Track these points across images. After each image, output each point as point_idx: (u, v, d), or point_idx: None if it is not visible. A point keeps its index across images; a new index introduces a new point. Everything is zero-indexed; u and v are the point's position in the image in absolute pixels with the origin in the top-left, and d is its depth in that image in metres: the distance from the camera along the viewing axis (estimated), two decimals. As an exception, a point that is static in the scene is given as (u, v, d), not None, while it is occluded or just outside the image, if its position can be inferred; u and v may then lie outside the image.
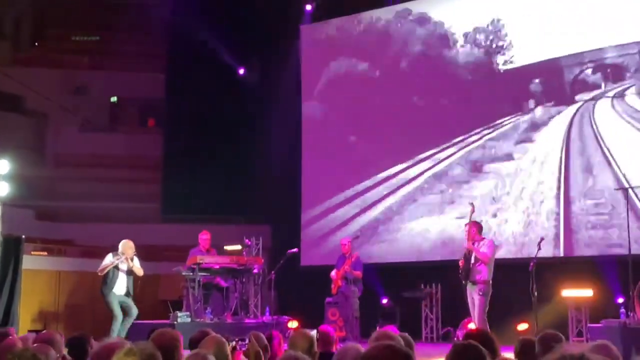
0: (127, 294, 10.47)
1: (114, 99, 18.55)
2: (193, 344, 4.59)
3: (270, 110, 14.54)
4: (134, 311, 10.37)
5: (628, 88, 11.57)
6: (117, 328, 10.21)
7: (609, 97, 11.69)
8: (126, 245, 10.52)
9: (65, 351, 4.75)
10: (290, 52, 14.88)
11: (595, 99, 11.82)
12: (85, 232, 15.48)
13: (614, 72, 11.72)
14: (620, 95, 11.60)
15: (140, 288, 14.22)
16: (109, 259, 10.42)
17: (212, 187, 14.40)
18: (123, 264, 10.36)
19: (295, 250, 11.99)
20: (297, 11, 14.82)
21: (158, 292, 14.08)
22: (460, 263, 9.52)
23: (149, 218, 15.89)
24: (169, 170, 15.99)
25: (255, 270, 11.61)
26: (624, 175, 11.18)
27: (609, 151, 11.49)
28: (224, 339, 4.07)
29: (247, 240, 12.46)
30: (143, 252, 14.70)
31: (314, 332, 5.21)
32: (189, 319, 10.39)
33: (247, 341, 4.54)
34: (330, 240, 13.80)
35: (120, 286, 10.43)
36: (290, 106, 14.69)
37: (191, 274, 10.83)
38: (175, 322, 10.09)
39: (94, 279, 14.13)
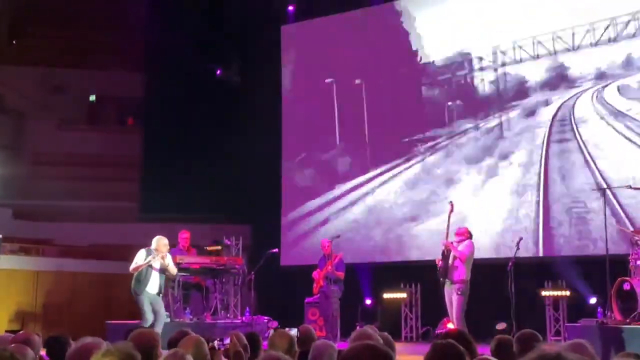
0: (159, 293, 9.91)
1: (92, 97, 18.43)
2: (172, 344, 4.57)
3: (250, 109, 14.50)
4: (163, 315, 9.83)
5: (606, 86, 11.68)
6: (146, 325, 9.48)
7: (588, 96, 11.80)
8: (160, 242, 9.89)
9: (43, 351, 4.72)
10: (270, 52, 14.85)
11: (573, 98, 11.93)
12: (64, 232, 15.37)
13: (592, 72, 11.82)
14: (599, 94, 11.71)
15: (118, 287, 14.20)
16: (142, 255, 9.82)
17: (191, 186, 14.33)
18: (156, 261, 9.76)
19: (275, 250, 11.98)
20: (277, 11, 14.79)
21: (137, 292, 14.00)
22: (438, 262, 9.56)
23: (128, 217, 15.79)
24: (148, 169, 15.90)
25: (236, 269, 11.57)
26: (601, 174, 11.29)
27: (587, 151, 11.59)
28: (202, 339, 4.06)
29: (227, 240, 12.43)
30: (122, 252, 14.66)
31: (294, 332, 5.21)
32: (168, 319, 10.34)
33: (227, 341, 4.53)
34: (310, 241, 13.80)
35: (153, 285, 9.80)
36: (271, 106, 14.67)
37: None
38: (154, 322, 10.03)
39: (73, 279, 14.12)
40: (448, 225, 9.65)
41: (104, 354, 2.93)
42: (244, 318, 11.38)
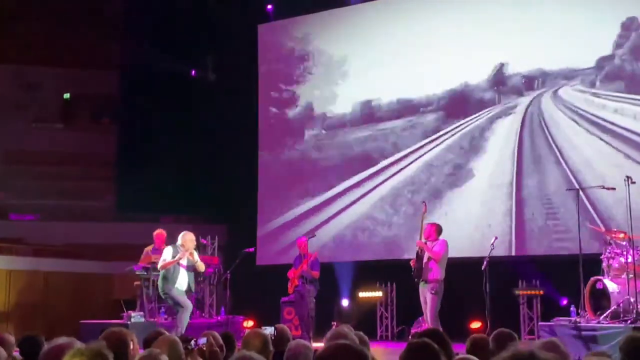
0: (189, 291, 9.70)
1: (66, 95, 18.25)
2: (147, 343, 4.54)
3: (226, 108, 14.46)
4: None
5: (574, 86, 11.83)
6: (186, 317, 9.46)
7: (555, 95, 11.94)
8: (187, 238, 9.63)
9: (16, 351, 4.68)
10: (246, 51, 14.81)
11: (539, 98, 12.08)
12: (37, 230, 15.22)
13: (561, 73, 11.95)
14: (565, 94, 11.86)
15: (93, 287, 14.10)
16: (169, 252, 9.58)
17: (167, 185, 14.26)
18: (184, 258, 9.51)
19: (251, 249, 11.96)
20: (254, 10, 14.75)
21: (112, 291, 13.92)
22: (412, 263, 9.61)
23: (103, 216, 15.68)
24: (123, 167, 15.79)
25: (211, 270, 11.54)
26: (573, 174, 11.42)
27: (559, 151, 11.71)
28: (177, 339, 4.04)
29: (202, 240, 12.38)
30: (96, 251, 14.57)
31: (269, 331, 5.20)
32: (142, 319, 10.29)
33: (202, 341, 4.51)
34: (286, 240, 13.79)
35: (182, 282, 9.58)
36: (247, 105, 14.65)
37: (145, 273, 10.72)
38: (128, 322, 9.98)
39: (46, 278, 13.98)
40: (422, 226, 9.71)
41: (73, 354, 2.90)
42: (219, 317, 11.34)
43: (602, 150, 11.38)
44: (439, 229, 9.72)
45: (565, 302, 10.55)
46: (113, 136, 16.59)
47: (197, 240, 12.06)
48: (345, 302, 12.91)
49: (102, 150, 16.73)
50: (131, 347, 3.73)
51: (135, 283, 11.30)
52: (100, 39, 16.75)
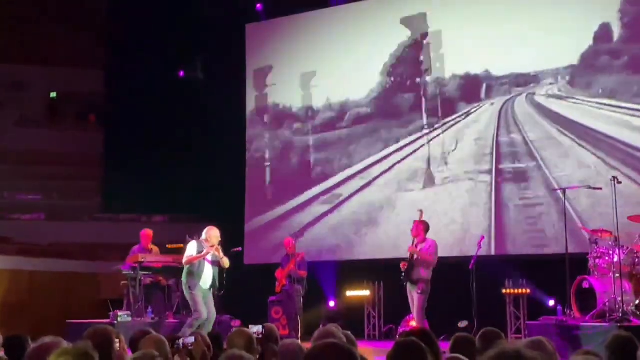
0: (213, 286, 9.57)
1: (53, 94, 18.15)
2: (134, 343, 4.53)
3: (214, 107, 14.43)
4: (213, 314, 9.53)
5: (549, 87, 11.93)
6: (196, 325, 9.23)
7: (533, 96, 12.04)
8: (212, 233, 9.56)
9: (1, 351, 4.65)
10: (235, 50, 14.78)
11: (514, 99, 12.21)
12: (23, 230, 15.13)
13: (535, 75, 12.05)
14: (543, 95, 11.95)
15: (79, 286, 14.03)
16: (193, 247, 9.45)
17: (153, 185, 14.20)
18: (210, 254, 9.39)
19: (238, 249, 11.93)
20: (242, 10, 14.73)
21: (98, 291, 13.86)
22: (402, 266, 9.61)
23: (89, 215, 15.62)
24: (110, 167, 15.74)
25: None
26: (552, 174, 11.52)
27: (537, 152, 11.80)
28: (164, 339, 4.03)
29: (189, 239, 12.32)
30: (83, 250, 14.51)
31: (256, 329, 5.19)
32: (129, 319, 10.25)
33: (188, 340, 4.50)
34: (273, 239, 13.77)
35: (207, 278, 9.48)
36: (235, 104, 14.62)
37: (132, 272, 10.69)
38: (115, 322, 9.94)
39: (32, 278, 13.91)
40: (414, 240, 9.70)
41: (59, 354, 2.89)
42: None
43: (580, 153, 11.48)
44: (426, 227, 9.75)
45: (552, 303, 10.59)
46: (99, 135, 16.53)
47: (184, 240, 12.05)
48: (332, 304, 12.89)
49: (88, 149, 16.67)
50: (115, 345, 3.72)
51: (122, 282, 11.26)
52: (87, 37, 16.69)
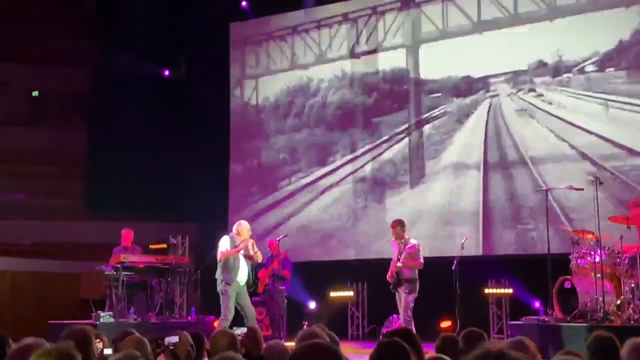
0: (248, 282, 9.36)
1: (35, 93, 18.02)
2: (116, 344, 4.51)
3: (198, 107, 14.39)
4: (252, 309, 9.32)
5: (530, 89, 12.03)
6: (226, 326, 8.90)
7: (515, 98, 12.12)
8: (243, 227, 9.33)
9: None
10: (218, 50, 14.75)
11: (502, 98, 12.29)
12: (5, 229, 15.00)
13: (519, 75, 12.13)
14: (530, 94, 12.03)
15: (61, 287, 13.94)
16: (226, 243, 9.23)
17: (137, 184, 14.13)
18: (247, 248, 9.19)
19: (222, 249, 11.89)
20: (226, 9, 14.69)
21: (80, 291, 13.78)
22: (389, 278, 9.60)
23: (72, 215, 15.51)
24: (93, 166, 15.63)
25: (182, 268, 11.45)
26: (539, 174, 11.59)
27: (524, 152, 11.87)
28: (145, 339, 4.01)
29: (172, 239, 12.30)
30: (65, 250, 14.41)
31: (240, 331, 5.18)
32: (112, 319, 10.19)
33: (171, 340, 4.48)
34: (257, 239, 13.73)
35: (243, 273, 9.24)
36: (219, 103, 14.59)
37: (114, 272, 10.63)
38: (97, 322, 9.88)
39: (14, 278, 13.81)
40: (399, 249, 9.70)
41: (40, 355, 2.87)
42: (189, 317, 11.27)
43: (566, 151, 11.56)
44: (402, 225, 9.76)
45: (537, 304, 10.64)
46: (82, 134, 16.42)
47: (167, 240, 12.02)
48: (312, 304, 12.84)
49: (72, 148, 16.54)
50: (94, 345, 3.70)
51: (104, 283, 11.20)
52: (71, 35, 16.58)
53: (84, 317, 10.57)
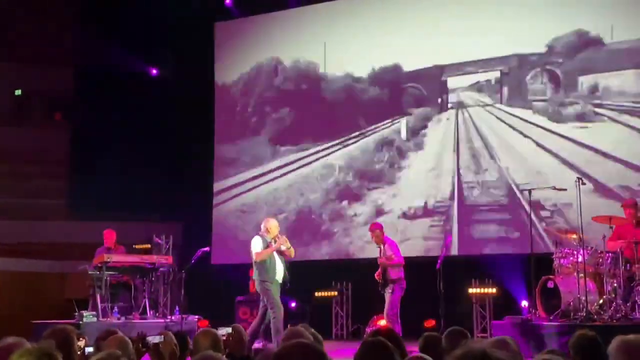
0: (284, 280, 9.23)
1: (18, 91, 17.90)
2: (99, 343, 4.50)
3: (182, 106, 14.35)
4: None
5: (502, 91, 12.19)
6: (281, 319, 8.92)
7: (489, 104, 12.23)
8: (271, 224, 9.24)
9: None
10: (203, 49, 14.71)
11: (475, 102, 12.43)
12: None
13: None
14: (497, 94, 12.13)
15: (45, 286, 13.86)
16: (258, 243, 9.12)
17: (121, 184, 14.06)
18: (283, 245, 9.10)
19: (206, 249, 11.87)
20: (212, 8, 14.67)
21: (64, 291, 13.70)
22: (377, 277, 9.65)
23: (55, 215, 15.41)
24: (77, 166, 15.54)
25: (166, 267, 11.41)
26: (510, 175, 11.71)
27: (498, 155, 11.99)
28: (127, 339, 4.00)
29: (157, 239, 12.26)
30: (49, 250, 14.32)
31: (224, 331, 5.17)
32: (95, 319, 10.14)
33: (152, 339, 4.47)
34: (241, 239, 13.70)
35: (279, 272, 9.17)
36: (203, 103, 14.56)
37: (97, 272, 10.58)
38: (80, 322, 9.83)
39: (-3, 278, 13.72)
40: (381, 248, 9.75)
41: (20, 354, 2.85)
42: (173, 317, 11.23)
43: (539, 152, 11.71)
44: (381, 229, 9.87)
45: (525, 304, 10.68)
46: (66, 134, 16.32)
47: (151, 239, 11.98)
48: (292, 304, 12.81)
49: (55, 148, 16.45)
50: (76, 344, 3.68)
51: (88, 282, 11.15)
52: (54, 34, 16.49)
53: (68, 317, 10.52)
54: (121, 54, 14.38)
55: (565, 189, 9.82)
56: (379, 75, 13.24)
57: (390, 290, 9.52)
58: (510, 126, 12.02)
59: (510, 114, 12.07)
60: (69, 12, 15.89)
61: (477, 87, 12.41)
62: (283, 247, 9.18)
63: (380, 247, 9.70)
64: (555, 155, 11.55)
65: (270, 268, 9.11)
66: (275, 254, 9.18)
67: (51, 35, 16.62)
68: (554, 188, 9.83)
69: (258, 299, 11.01)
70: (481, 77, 12.40)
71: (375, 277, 9.66)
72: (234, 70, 14.65)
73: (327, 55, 13.70)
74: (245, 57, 14.54)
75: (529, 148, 11.84)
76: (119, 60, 14.34)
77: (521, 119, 11.97)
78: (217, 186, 14.46)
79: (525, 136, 11.90)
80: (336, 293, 12.69)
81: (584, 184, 9.11)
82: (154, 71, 15.33)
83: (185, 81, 14.53)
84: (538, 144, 11.76)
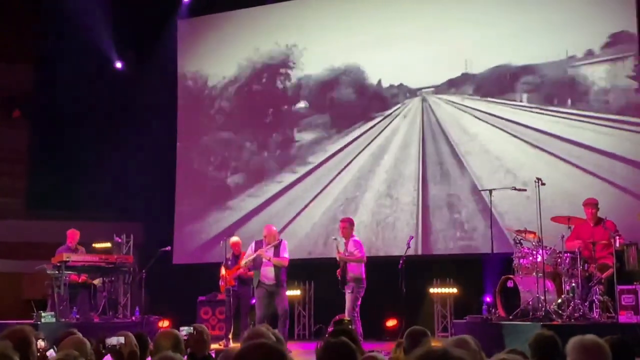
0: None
1: (-24, 88, 17.57)
2: (58, 344, 4.44)
3: (144, 104, 14.21)
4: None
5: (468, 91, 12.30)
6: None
7: (454, 102, 12.34)
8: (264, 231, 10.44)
9: None
10: (166, 46, 14.60)
11: (440, 99, 12.51)
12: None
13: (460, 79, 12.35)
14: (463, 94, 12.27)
15: (1, 286, 13.63)
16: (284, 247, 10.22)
17: (81, 182, 13.89)
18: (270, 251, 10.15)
19: (167, 248, 11.80)
20: (175, 5, 14.59)
21: (22, 291, 13.50)
22: (338, 273, 9.68)
23: (13, 213, 15.15)
24: (35, 164, 15.30)
25: (126, 267, 11.29)
26: (475, 175, 11.84)
27: (461, 154, 12.08)
28: (85, 340, 3.95)
29: (117, 238, 12.13)
30: (6, 249, 14.09)
31: (185, 331, 5.12)
32: (53, 319, 10.00)
33: (112, 340, 4.43)
34: (203, 239, 13.67)
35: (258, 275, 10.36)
36: (165, 100, 14.45)
37: (57, 272, 10.43)
38: (39, 322, 9.69)
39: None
40: (339, 243, 9.79)
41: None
42: (133, 318, 11.12)
43: (506, 154, 11.81)
44: (352, 223, 9.90)
45: (488, 298, 10.78)
46: (25, 131, 16.06)
47: (111, 238, 11.87)
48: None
49: (13, 145, 16.17)
50: (34, 345, 3.62)
51: (46, 282, 11.00)
52: (14, 29, 16.22)
53: (26, 318, 10.36)
54: (82, 50, 14.18)
55: (525, 189, 9.95)
56: (347, 76, 13.28)
57: (349, 290, 9.56)
58: (477, 119, 12.12)
59: (475, 109, 12.15)
60: (29, 6, 15.64)
61: (446, 85, 12.45)
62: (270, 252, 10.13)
63: (344, 241, 9.74)
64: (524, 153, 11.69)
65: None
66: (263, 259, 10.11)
67: (10, 30, 16.34)
68: (514, 188, 9.95)
69: (235, 300, 10.92)
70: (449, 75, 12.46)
71: (337, 274, 9.69)
72: (198, 66, 14.55)
73: (295, 55, 13.72)
74: (210, 54, 14.46)
75: (493, 147, 11.92)
76: (80, 56, 14.15)
77: (487, 113, 12.06)
78: (180, 185, 14.35)
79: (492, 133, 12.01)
80: (299, 293, 12.69)
81: (543, 184, 9.22)
82: (119, 64, 15.13)
83: (147, 77, 14.38)
84: (504, 143, 11.87)
